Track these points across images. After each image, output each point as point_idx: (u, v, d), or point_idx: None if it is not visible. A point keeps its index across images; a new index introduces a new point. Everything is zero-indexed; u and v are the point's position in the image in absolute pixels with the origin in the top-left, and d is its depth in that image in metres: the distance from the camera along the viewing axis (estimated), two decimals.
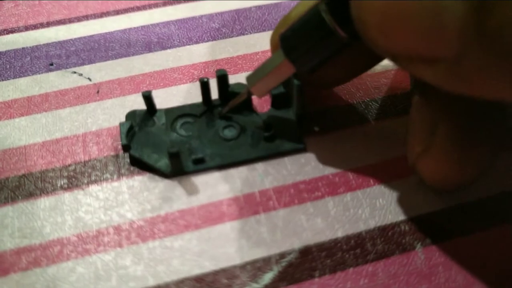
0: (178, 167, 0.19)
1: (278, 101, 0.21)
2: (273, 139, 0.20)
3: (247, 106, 0.21)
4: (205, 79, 0.20)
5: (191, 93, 0.22)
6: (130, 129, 0.20)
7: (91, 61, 0.24)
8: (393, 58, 0.14)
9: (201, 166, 0.19)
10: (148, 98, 0.20)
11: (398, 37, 0.13)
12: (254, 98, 0.21)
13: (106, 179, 0.19)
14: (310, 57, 0.17)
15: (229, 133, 0.20)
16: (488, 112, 0.16)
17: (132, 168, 0.19)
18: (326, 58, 0.16)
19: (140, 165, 0.19)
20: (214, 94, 0.21)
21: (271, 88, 0.19)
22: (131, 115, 0.20)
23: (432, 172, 0.17)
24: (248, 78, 0.19)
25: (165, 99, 0.22)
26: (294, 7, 0.19)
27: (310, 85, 0.19)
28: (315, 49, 0.16)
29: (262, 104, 0.21)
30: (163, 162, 0.19)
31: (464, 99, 0.13)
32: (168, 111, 0.21)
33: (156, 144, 0.19)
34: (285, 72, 0.18)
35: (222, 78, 0.20)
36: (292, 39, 0.17)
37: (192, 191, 0.19)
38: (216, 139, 0.20)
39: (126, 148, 0.19)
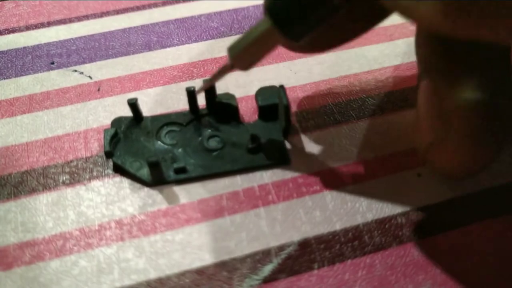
0: (158, 176, 0.19)
1: (265, 113, 0.20)
2: (257, 151, 0.19)
3: (234, 117, 0.21)
4: (192, 88, 0.20)
5: None
6: (114, 136, 0.20)
7: (91, 60, 0.24)
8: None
9: (183, 176, 0.19)
10: (133, 105, 0.20)
11: None
12: (241, 109, 0.21)
13: (108, 175, 0.19)
14: (298, 22, 0.15)
15: (213, 143, 0.20)
16: (498, 102, 0.16)
17: None
18: (316, 24, 0.15)
19: (123, 172, 0.19)
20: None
21: (255, 60, 0.17)
22: (116, 122, 0.20)
23: (445, 163, 0.16)
24: (230, 48, 0.17)
25: (165, 96, 0.22)
26: None
27: (300, 49, 0.18)
28: (304, 14, 0.15)
29: (250, 114, 0.21)
30: (145, 171, 0.19)
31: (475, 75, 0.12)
32: (154, 118, 0.21)
33: (140, 152, 0.19)
34: (271, 40, 0.16)
35: (209, 88, 0.20)
36: (278, 3, 0.15)
37: (192, 187, 0.19)
38: (200, 149, 0.20)
39: (108, 154, 0.19)
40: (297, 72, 0.23)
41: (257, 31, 0.16)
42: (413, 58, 0.24)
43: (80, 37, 0.25)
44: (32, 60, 0.24)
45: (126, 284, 0.16)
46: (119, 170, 0.19)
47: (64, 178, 0.19)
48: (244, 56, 0.17)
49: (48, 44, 0.25)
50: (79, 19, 0.26)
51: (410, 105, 0.21)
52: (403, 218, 0.18)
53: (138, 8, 0.27)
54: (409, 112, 0.21)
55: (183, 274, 0.17)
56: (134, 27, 0.26)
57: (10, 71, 0.24)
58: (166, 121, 0.21)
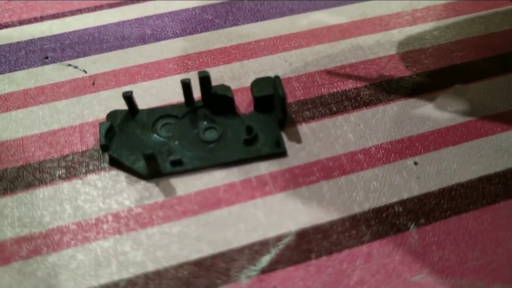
0: (155, 169, 0.18)
1: (261, 104, 0.20)
2: (253, 142, 0.19)
3: (230, 108, 0.21)
4: (187, 80, 0.20)
5: None
6: (110, 129, 0.19)
7: (86, 54, 0.24)
8: None
9: (179, 168, 0.19)
10: (128, 98, 0.20)
11: None
12: (237, 100, 0.21)
13: (104, 168, 0.19)
14: None
15: (210, 135, 0.20)
16: None
17: None
18: None
19: (119, 165, 0.19)
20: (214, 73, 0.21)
21: None
22: (112, 115, 0.20)
23: None
24: None
25: (160, 89, 0.22)
26: None
27: None
28: None
29: (245, 106, 0.21)
30: (141, 164, 0.19)
31: None
32: (149, 111, 0.21)
33: (135, 145, 0.19)
34: None
35: (204, 80, 0.20)
36: None
37: (188, 179, 0.19)
38: (197, 141, 0.20)
39: (104, 148, 0.19)
40: (292, 63, 0.23)
41: None
42: (408, 47, 0.24)
43: (74, 31, 0.25)
44: (26, 55, 0.24)
45: (124, 277, 0.16)
46: (115, 163, 0.19)
47: (60, 172, 0.19)
48: None
49: (41, 38, 0.25)
50: (72, 13, 0.26)
51: (406, 94, 0.21)
52: (400, 207, 0.18)
53: (131, 2, 0.27)
54: (405, 101, 0.21)
55: (181, 266, 0.17)
56: (128, 20, 0.26)
57: (4, 66, 0.23)
58: (162, 113, 0.21)
